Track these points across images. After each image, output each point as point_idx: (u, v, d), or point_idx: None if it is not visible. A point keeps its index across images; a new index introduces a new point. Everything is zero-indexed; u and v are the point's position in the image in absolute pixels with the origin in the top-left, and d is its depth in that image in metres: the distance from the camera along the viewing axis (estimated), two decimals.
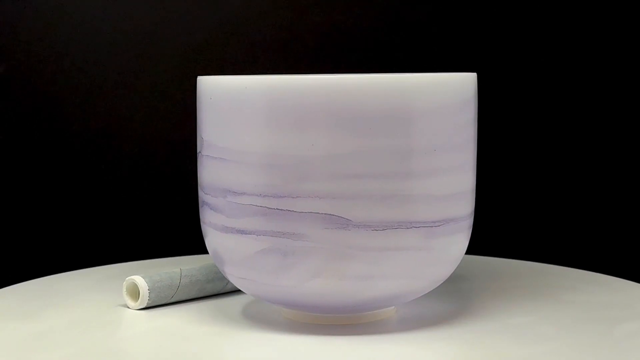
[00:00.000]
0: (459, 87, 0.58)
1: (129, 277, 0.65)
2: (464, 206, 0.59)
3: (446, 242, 0.58)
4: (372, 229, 0.56)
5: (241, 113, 0.57)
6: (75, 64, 0.91)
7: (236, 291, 0.69)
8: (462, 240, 0.60)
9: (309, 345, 0.57)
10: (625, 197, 0.94)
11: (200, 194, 0.61)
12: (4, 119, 0.91)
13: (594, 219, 0.95)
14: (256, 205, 0.57)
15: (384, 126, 0.55)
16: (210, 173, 0.59)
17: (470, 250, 0.67)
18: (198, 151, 0.61)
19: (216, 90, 0.58)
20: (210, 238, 0.61)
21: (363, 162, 0.55)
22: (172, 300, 0.66)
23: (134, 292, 0.65)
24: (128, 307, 0.65)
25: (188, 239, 0.81)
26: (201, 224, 0.62)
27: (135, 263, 0.79)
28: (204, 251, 0.64)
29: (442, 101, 0.57)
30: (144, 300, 0.65)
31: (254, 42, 0.94)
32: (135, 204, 0.94)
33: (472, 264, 0.78)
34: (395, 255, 0.56)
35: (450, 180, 0.58)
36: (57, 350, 0.56)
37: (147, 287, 0.65)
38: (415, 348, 0.57)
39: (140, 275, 0.65)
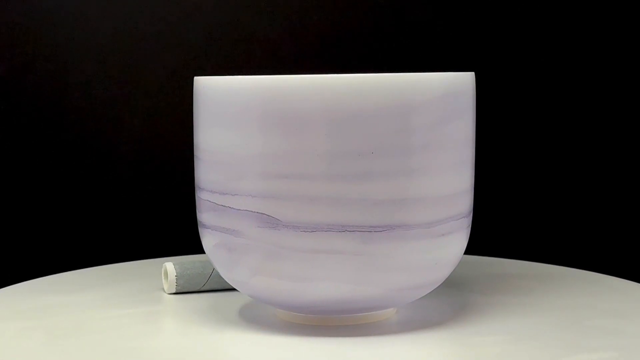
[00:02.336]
0: (394, 90, 0.55)
1: (165, 263, 0.70)
2: (418, 212, 0.56)
3: (397, 248, 0.56)
4: (301, 230, 0.55)
5: (204, 112, 0.59)
6: (74, 64, 0.92)
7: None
8: (430, 247, 0.57)
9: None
10: (625, 197, 0.94)
11: None
12: (3, 119, 0.91)
13: (594, 219, 0.95)
14: (209, 201, 0.59)
15: (311, 128, 0.55)
16: (195, 170, 0.62)
17: (470, 250, 0.65)
18: None
19: (196, 90, 0.61)
20: None
21: (291, 162, 0.55)
22: (205, 288, 0.70)
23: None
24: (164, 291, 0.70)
25: (189, 239, 0.79)
26: None
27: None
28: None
29: (379, 104, 0.55)
30: (172, 286, 0.69)
31: (253, 43, 0.94)
32: (135, 204, 0.94)
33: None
34: (329, 259, 0.56)
35: (393, 184, 0.55)
36: (44, 318, 0.63)
37: (175, 274, 0.69)
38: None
39: (174, 262, 0.70)
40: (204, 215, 0.60)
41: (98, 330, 0.61)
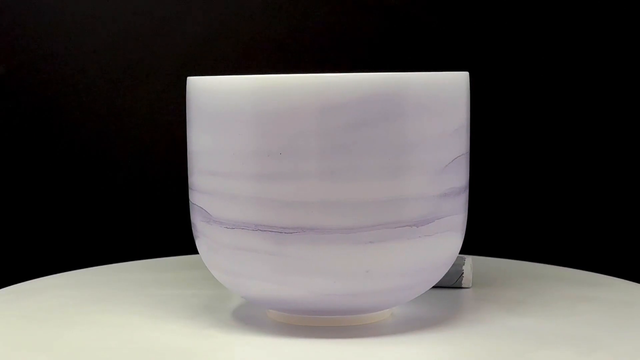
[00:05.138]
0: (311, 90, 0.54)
1: None
2: (333, 216, 0.55)
3: (310, 251, 0.55)
4: (224, 226, 0.57)
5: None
6: (74, 65, 0.92)
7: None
8: (355, 254, 0.55)
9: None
10: (625, 197, 0.94)
11: None
12: (3, 119, 0.92)
13: (593, 219, 0.95)
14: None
15: (228, 127, 0.56)
16: None
17: (467, 251, 0.66)
18: None
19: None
20: None
21: (213, 160, 0.57)
22: None
23: None
24: None
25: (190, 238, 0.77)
26: None
27: None
28: None
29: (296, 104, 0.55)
30: None
31: (252, 43, 0.91)
32: (136, 204, 0.93)
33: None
34: (249, 256, 0.57)
35: (302, 186, 0.54)
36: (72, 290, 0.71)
37: None
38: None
39: None
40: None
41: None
